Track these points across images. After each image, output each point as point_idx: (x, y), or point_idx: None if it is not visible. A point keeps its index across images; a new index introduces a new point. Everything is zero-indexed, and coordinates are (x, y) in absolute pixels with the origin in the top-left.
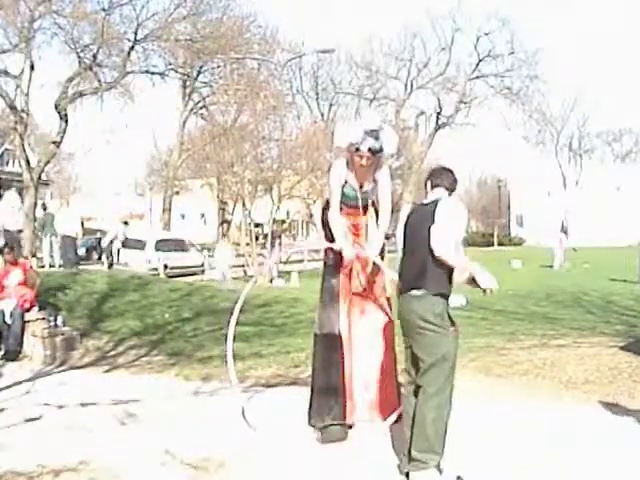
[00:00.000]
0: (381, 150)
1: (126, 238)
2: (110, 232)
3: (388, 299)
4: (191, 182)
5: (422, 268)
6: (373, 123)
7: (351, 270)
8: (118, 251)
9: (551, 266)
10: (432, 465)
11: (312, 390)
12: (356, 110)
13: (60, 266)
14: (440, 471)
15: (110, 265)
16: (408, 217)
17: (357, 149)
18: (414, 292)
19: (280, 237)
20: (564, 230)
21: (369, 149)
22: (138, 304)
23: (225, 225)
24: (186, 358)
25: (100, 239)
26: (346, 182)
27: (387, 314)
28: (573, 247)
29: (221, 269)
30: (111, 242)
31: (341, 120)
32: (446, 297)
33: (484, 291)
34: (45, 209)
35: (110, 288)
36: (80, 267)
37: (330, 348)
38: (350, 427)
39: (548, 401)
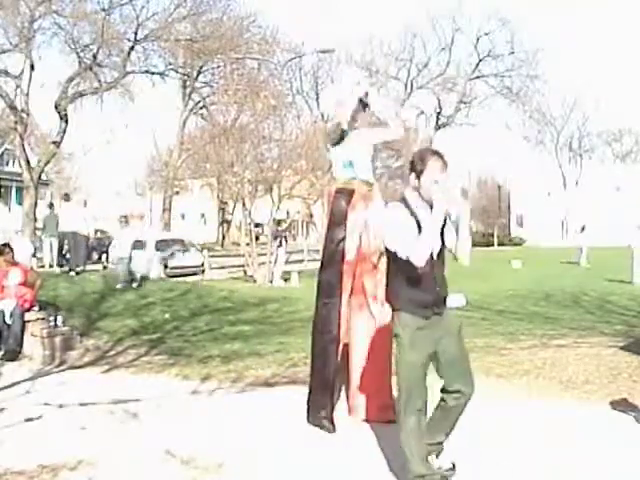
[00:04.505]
0: (367, 104)
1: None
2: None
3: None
4: (191, 182)
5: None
6: (355, 75)
7: (356, 269)
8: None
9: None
10: None
11: (310, 388)
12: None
13: (61, 265)
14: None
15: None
16: None
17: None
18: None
19: (283, 237)
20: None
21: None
22: (137, 304)
23: (225, 225)
24: (186, 358)
25: (100, 240)
26: (344, 132)
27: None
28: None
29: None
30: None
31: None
32: None
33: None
34: (52, 207)
35: (109, 288)
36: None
37: (328, 347)
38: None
39: (548, 401)
